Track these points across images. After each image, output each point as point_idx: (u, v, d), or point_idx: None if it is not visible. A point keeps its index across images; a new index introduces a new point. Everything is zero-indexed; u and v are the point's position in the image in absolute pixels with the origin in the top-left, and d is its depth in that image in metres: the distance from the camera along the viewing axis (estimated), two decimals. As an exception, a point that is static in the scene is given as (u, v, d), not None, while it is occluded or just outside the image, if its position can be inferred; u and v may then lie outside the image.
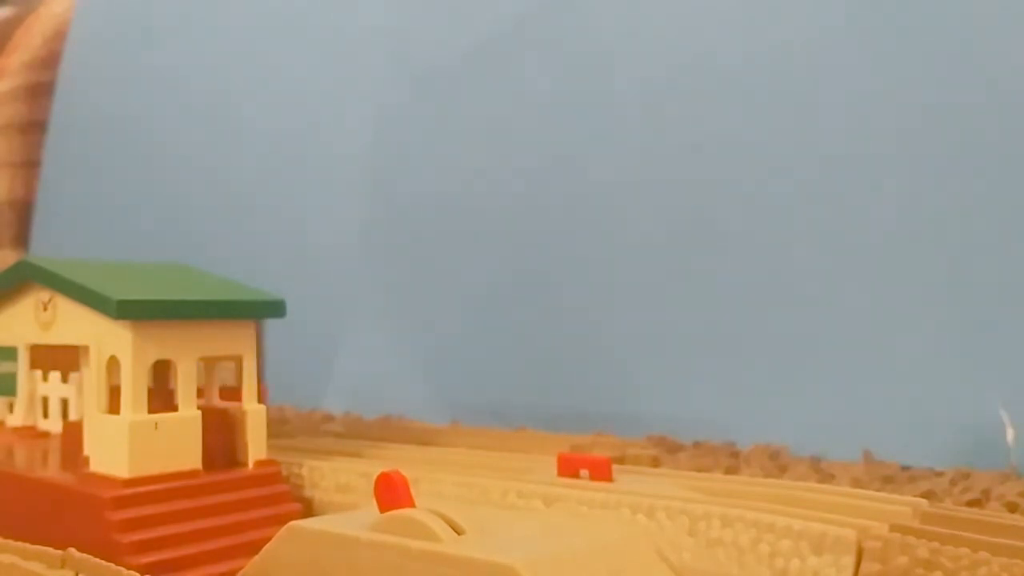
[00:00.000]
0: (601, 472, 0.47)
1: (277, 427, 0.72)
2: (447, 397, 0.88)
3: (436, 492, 0.49)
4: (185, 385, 0.49)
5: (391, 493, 0.33)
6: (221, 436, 0.51)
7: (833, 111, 0.74)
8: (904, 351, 0.69)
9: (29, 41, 1.55)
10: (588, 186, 0.87)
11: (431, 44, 1.00)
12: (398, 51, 1.03)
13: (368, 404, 0.68)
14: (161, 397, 0.49)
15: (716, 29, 0.81)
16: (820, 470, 0.59)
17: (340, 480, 0.54)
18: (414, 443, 0.65)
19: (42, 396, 0.58)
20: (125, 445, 0.46)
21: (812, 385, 0.72)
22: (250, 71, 1.17)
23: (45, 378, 0.58)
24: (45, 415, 0.58)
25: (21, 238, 1.45)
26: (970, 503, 0.49)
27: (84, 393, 0.51)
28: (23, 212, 1.45)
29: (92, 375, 0.48)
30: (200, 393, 0.51)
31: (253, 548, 0.38)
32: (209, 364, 0.54)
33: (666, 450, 0.66)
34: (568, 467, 0.48)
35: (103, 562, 0.39)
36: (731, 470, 0.58)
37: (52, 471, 0.50)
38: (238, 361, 0.52)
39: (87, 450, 0.48)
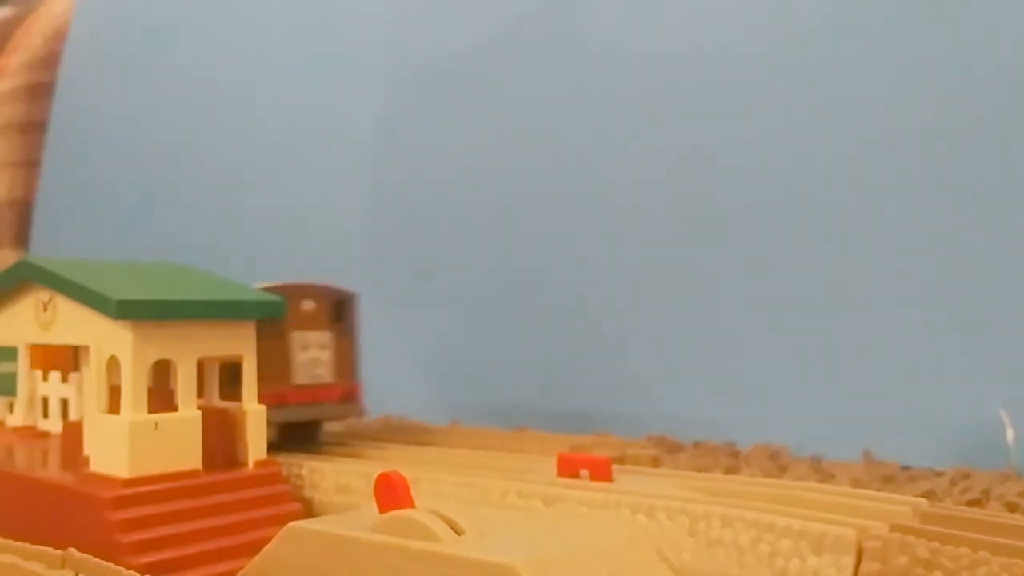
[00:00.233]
0: (601, 472, 0.47)
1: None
2: (447, 397, 0.88)
3: (436, 492, 0.49)
4: (185, 385, 0.49)
5: (391, 494, 0.33)
6: (221, 436, 0.51)
7: (834, 111, 0.74)
8: (904, 351, 0.69)
9: (29, 41, 1.55)
10: (588, 186, 0.87)
11: (431, 44, 1.00)
12: (398, 51, 1.03)
13: (368, 404, 0.69)
14: (161, 397, 0.49)
15: (717, 28, 0.81)
16: (820, 470, 0.59)
17: (340, 480, 0.54)
18: (414, 443, 0.65)
19: (42, 396, 0.58)
20: (125, 445, 0.46)
21: (812, 385, 0.72)
22: (250, 71, 1.17)
23: (45, 378, 0.58)
24: (45, 415, 0.58)
25: (21, 238, 1.45)
26: (970, 503, 0.49)
27: (84, 393, 0.51)
28: (23, 212, 1.45)
29: (92, 375, 0.48)
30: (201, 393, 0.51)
31: (253, 548, 0.38)
32: (210, 364, 0.54)
33: (666, 450, 0.66)
34: (568, 467, 0.48)
35: (103, 562, 0.39)
36: (731, 470, 0.58)
37: (52, 471, 0.50)
38: (238, 361, 0.52)
39: (87, 450, 0.48)
